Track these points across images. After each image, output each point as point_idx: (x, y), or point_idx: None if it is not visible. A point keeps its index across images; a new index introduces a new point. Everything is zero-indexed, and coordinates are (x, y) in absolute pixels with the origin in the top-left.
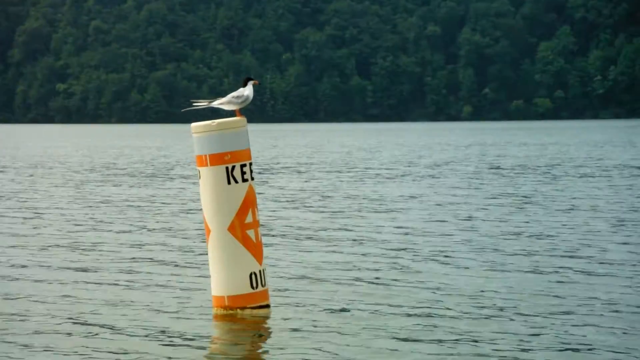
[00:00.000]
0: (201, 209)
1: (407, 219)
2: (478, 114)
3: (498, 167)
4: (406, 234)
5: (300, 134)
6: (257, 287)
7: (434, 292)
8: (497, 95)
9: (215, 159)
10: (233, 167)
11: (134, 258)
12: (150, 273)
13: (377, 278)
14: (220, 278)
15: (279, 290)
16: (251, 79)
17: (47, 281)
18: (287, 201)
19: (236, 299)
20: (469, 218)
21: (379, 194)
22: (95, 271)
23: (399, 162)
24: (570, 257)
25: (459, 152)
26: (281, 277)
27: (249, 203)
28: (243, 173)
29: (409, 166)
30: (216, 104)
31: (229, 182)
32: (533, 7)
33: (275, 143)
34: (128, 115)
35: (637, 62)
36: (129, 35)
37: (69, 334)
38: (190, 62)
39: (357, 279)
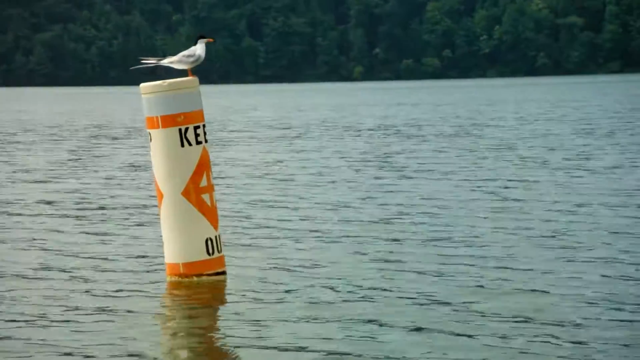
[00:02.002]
0: (148, 173)
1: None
2: (369, 74)
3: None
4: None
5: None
6: (213, 253)
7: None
8: (387, 55)
9: (168, 121)
10: (187, 129)
11: (79, 226)
12: (99, 243)
13: (331, 241)
14: (175, 245)
15: (234, 257)
16: (204, 37)
17: None
18: (233, 167)
19: (191, 266)
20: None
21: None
22: (33, 239)
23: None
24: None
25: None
26: (236, 243)
27: (203, 166)
28: (197, 135)
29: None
30: (166, 62)
31: (182, 145)
32: None
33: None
34: (12, 79)
35: (521, 22)
36: None
37: (10, 299)
38: (78, 24)
39: (313, 244)
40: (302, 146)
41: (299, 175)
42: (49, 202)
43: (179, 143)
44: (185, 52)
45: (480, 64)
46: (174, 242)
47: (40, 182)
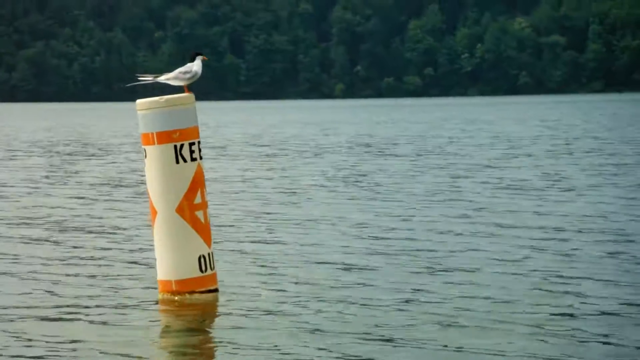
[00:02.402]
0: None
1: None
2: (351, 92)
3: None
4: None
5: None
6: (206, 270)
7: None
8: (368, 73)
9: (163, 137)
10: (182, 146)
11: (70, 242)
12: (91, 259)
13: (325, 262)
14: (168, 261)
15: (227, 274)
16: (199, 54)
17: None
18: (224, 183)
19: (184, 283)
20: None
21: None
22: (29, 257)
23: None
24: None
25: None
26: (228, 260)
27: (197, 183)
28: (192, 152)
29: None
30: (162, 79)
31: (177, 161)
32: None
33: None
34: None
35: (502, 41)
36: None
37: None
38: (61, 40)
39: (305, 262)
40: (277, 163)
41: (274, 193)
42: (33, 218)
43: (174, 160)
44: (182, 69)
45: (461, 82)
46: (166, 259)
47: (16, 198)
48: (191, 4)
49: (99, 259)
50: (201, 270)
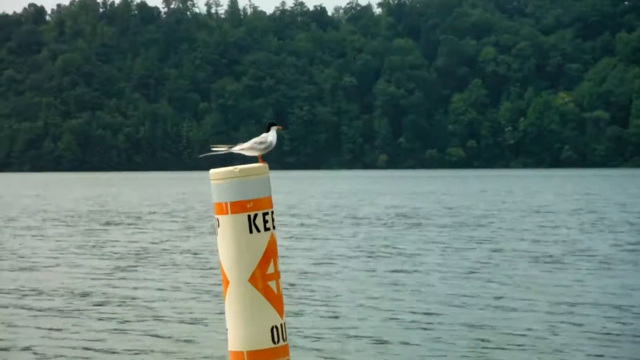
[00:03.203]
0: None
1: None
2: (393, 163)
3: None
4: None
5: None
6: (278, 341)
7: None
8: (411, 145)
9: (237, 207)
10: (255, 215)
11: (141, 315)
12: (163, 329)
13: (385, 336)
14: (240, 332)
15: (297, 345)
16: (274, 124)
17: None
18: (291, 253)
19: (256, 354)
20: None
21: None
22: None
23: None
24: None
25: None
26: (300, 331)
27: (270, 253)
28: (265, 221)
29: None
30: (237, 149)
31: (250, 231)
32: (446, 60)
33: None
34: (41, 164)
35: (545, 115)
36: (42, 84)
37: None
38: (106, 111)
39: (374, 332)
40: (308, 233)
41: (304, 264)
42: (58, 289)
43: (248, 229)
44: (257, 139)
45: (504, 155)
46: (239, 329)
47: (46, 269)
48: (236, 76)
49: (169, 329)
50: (274, 342)
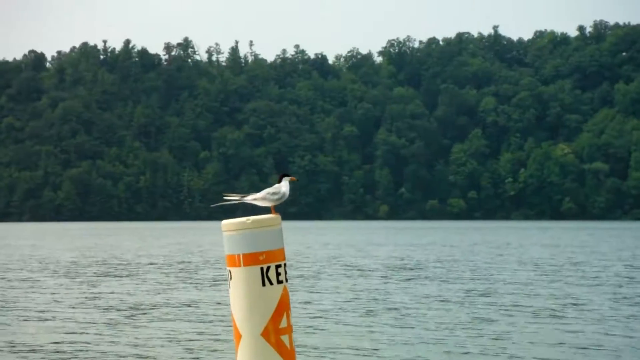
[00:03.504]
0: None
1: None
2: (394, 213)
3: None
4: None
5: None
6: None
7: None
8: (412, 195)
9: (249, 259)
10: (268, 268)
11: None
12: None
13: None
14: None
15: None
16: (287, 175)
17: None
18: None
19: None
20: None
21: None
22: None
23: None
24: None
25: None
26: None
27: (283, 306)
28: (278, 274)
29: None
30: (249, 199)
31: (263, 284)
32: (446, 110)
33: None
34: (40, 213)
35: (545, 166)
36: (42, 132)
37: None
38: (106, 160)
39: None
40: (302, 285)
41: (296, 317)
42: (43, 345)
43: (260, 282)
44: (270, 190)
45: (505, 206)
46: None
47: (37, 322)
48: (237, 125)
49: None
50: None
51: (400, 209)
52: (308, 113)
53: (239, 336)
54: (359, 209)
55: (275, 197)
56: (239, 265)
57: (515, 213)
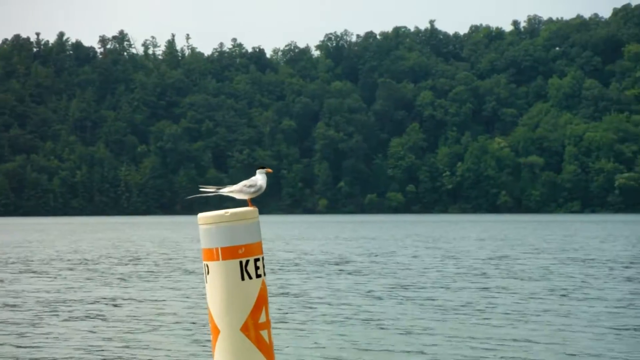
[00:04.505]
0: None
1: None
2: (333, 207)
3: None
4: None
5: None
6: None
7: None
8: (351, 189)
9: (228, 253)
10: (247, 262)
11: None
12: None
13: None
14: None
15: None
16: (263, 167)
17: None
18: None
19: None
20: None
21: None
22: None
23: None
24: None
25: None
26: None
27: (262, 300)
28: (257, 268)
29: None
30: (226, 191)
31: (242, 278)
32: (384, 104)
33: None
34: None
35: (482, 159)
36: None
37: None
38: (41, 154)
39: None
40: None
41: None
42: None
43: (240, 276)
44: (247, 182)
45: (443, 200)
46: None
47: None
48: (174, 119)
49: None
50: None
51: (339, 203)
52: (246, 107)
53: (217, 331)
54: (298, 203)
55: (252, 189)
56: (217, 259)
57: (452, 206)
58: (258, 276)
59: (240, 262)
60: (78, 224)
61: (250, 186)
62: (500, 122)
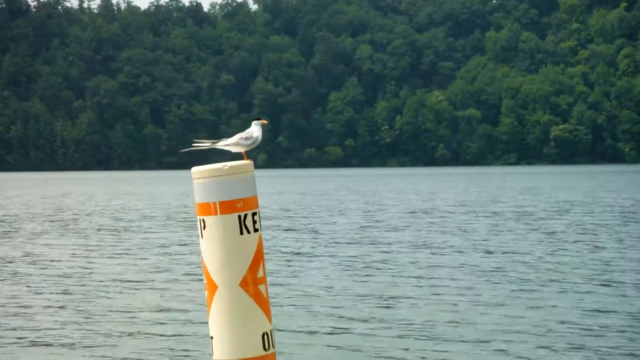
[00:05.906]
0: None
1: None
2: (272, 162)
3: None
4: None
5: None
6: (268, 348)
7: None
8: (290, 144)
9: (227, 207)
10: (245, 216)
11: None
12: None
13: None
14: (230, 340)
15: (282, 352)
16: (258, 119)
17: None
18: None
19: None
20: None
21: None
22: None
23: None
24: None
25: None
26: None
27: (259, 255)
28: (254, 222)
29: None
30: (221, 144)
31: (241, 233)
32: (322, 58)
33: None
34: None
35: (420, 113)
36: None
37: None
38: None
39: (358, 334)
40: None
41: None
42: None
43: (238, 231)
44: (242, 135)
45: (381, 153)
46: (228, 337)
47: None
48: (111, 74)
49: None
50: (264, 349)
51: (278, 158)
52: (184, 62)
53: (214, 287)
54: (237, 158)
55: (249, 142)
56: (215, 214)
57: (391, 160)
58: (255, 230)
59: (239, 216)
60: (21, 179)
61: (247, 138)
62: (438, 75)
